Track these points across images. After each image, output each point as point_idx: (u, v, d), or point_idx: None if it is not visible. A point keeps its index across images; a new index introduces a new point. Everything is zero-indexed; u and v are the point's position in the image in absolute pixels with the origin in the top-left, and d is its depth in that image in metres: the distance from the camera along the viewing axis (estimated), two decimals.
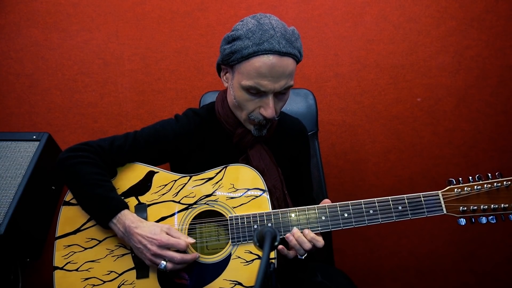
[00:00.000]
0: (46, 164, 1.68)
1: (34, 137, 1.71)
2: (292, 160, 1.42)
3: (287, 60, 1.15)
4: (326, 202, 1.21)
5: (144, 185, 1.26)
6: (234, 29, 1.19)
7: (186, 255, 1.14)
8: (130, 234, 1.14)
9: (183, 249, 1.13)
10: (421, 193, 1.19)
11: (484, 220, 1.16)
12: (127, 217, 1.16)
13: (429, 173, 2.11)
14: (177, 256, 1.12)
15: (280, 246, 1.18)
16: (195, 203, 1.23)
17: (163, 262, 1.12)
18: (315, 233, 1.18)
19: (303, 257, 1.17)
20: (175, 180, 1.26)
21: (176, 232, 1.16)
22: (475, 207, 1.16)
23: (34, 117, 2.07)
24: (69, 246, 1.21)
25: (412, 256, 2.17)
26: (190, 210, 1.23)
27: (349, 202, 1.20)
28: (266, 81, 1.14)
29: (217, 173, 1.25)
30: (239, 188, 1.23)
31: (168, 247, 1.12)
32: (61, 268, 1.19)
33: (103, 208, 1.17)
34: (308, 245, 1.14)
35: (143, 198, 1.24)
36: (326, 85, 2.10)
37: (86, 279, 1.18)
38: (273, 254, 1.15)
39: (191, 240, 1.17)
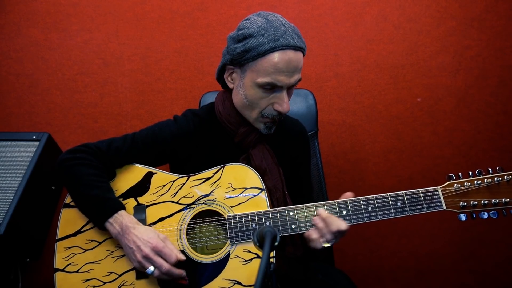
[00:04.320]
0: (46, 164, 1.68)
1: (34, 137, 1.72)
2: (292, 161, 1.42)
3: (299, 55, 1.18)
4: (348, 196, 1.19)
5: (142, 186, 1.26)
6: (243, 27, 1.19)
7: (173, 268, 1.13)
8: (125, 233, 1.13)
9: (171, 262, 1.12)
10: (420, 189, 1.18)
11: (485, 215, 1.15)
12: (125, 218, 1.16)
13: (429, 173, 2.11)
14: (166, 265, 1.11)
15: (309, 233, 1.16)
16: (193, 203, 1.23)
17: (152, 267, 1.11)
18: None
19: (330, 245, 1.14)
20: (173, 181, 1.26)
21: (171, 244, 1.16)
22: (476, 202, 1.14)
23: (34, 117, 2.07)
24: (69, 248, 1.21)
25: (412, 256, 2.17)
26: (188, 210, 1.23)
27: (347, 199, 1.19)
28: (283, 76, 1.16)
29: (215, 173, 1.25)
30: (237, 187, 1.23)
31: (160, 254, 1.12)
32: (62, 270, 1.20)
33: (100, 208, 1.17)
34: (336, 226, 1.12)
35: (142, 199, 1.24)
36: (326, 85, 2.10)
37: (87, 280, 1.18)
38: (271, 254, 1.15)
39: (182, 257, 1.15)
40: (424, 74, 2.07)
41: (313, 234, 1.16)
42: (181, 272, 1.14)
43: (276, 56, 1.14)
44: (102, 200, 1.18)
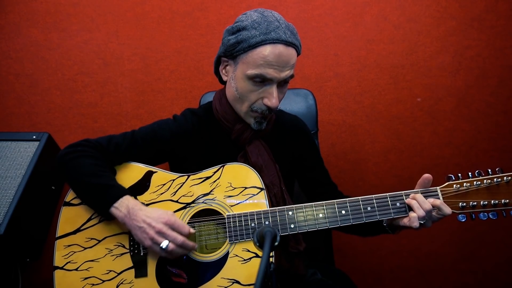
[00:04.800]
0: (46, 164, 1.69)
1: (34, 137, 1.72)
2: (293, 158, 1.42)
3: (291, 50, 1.18)
4: (426, 178, 1.18)
5: (142, 185, 1.26)
6: (238, 21, 1.22)
7: (187, 240, 1.14)
8: (133, 215, 1.13)
9: (185, 234, 1.14)
10: (419, 189, 1.19)
11: (484, 216, 1.15)
12: (130, 201, 1.16)
13: (429, 173, 2.06)
14: (180, 237, 1.12)
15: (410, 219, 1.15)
16: (193, 202, 1.23)
17: (166, 242, 1.11)
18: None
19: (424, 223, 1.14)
20: (173, 180, 1.26)
21: (178, 218, 1.17)
22: (475, 203, 1.14)
23: (34, 117, 2.07)
24: (69, 246, 1.21)
25: (412, 256, 2.17)
26: (188, 209, 1.23)
27: (347, 199, 1.20)
28: (272, 70, 1.17)
29: (215, 172, 1.25)
30: (237, 186, 1.23)
31: (173, 227, 1.13)
32: (61, 268, 1.20)
33: (104, 195, 1.17)
34: (428, 206, 1.12)
35: (142, 198, 1.24)
36: (326, 85, 2.10)
37: (86, 278, 1.18)
38: (271, 253, 1.15)
39: (192, 230, 1.17)
40: (424, 74, 2.07)
41: (411, 214, 1.15)
42: (194, 244, 1.15)
43: (266, 49, 1.15)
44: (106, 187, 1.18)
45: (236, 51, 1.20)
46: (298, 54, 1.23)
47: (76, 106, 2.08)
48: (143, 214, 1.13)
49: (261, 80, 1.19)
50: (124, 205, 1.15)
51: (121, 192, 1.18)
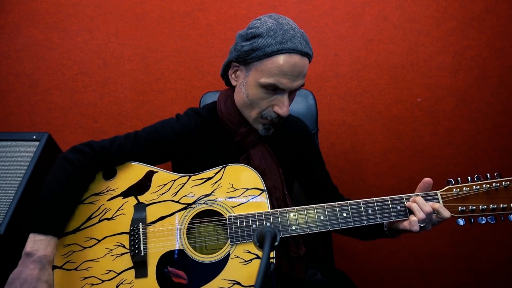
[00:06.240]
0: (46, 164, 1.68)
1: (34, 137, 1.71)
2: (295, 159, 1.42)
3: (305, 60, 1.18)
4: (427, 182, 1.19)
5: (143, 185, 1.25)
6: (253, 27, 1.20)
7: None
8: (26, 263, 1.08)
9: None
10: (420, 193, 1.19)
11: (483, 220, 1.16)
12: (47, 249, 1.11)
13: (429, 173, 2.11)
14: None
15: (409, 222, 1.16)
16: (194, 202, 1.23)
17: None
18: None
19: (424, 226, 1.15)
20: (174, 180, 1.26)
21: None
22: (474, 207, 1.16)
23: (34, 117, 2.07)
24: (68, 245, 1.21)
25: (412, 256, 2.17)
26: (189, 209, 1.23)
27: (348, 201, 1.20)
28: (286, 79, 1.17)
29: (216, 173, 1.25)
30: (238, 188, 1.23)
31: None
32: (60, 268, 1.19)
33: (40, 217, 1.13)
34: (428, 209, 1.13)
35: (143, 198, 1.24)
36: (326, 85, 2.10)
37: (85, 278, 1.18)
38: (272, 254, 1.15)
39: None
40: (424, 74, 2.07)
41: (411, 217, 1.15)
42: None
43: (281, 59, 1.15)
44: (51, 212, 1.14)
45: (250, 58, 1.19)
46: (310, 61, 1.23)
47: (76, 106, 2.08)
48: (30, 275, 1.06)
49: (273, 89, 1.19)
50: (37, 245, 1.09)
51: (56, 231, 1.14)
